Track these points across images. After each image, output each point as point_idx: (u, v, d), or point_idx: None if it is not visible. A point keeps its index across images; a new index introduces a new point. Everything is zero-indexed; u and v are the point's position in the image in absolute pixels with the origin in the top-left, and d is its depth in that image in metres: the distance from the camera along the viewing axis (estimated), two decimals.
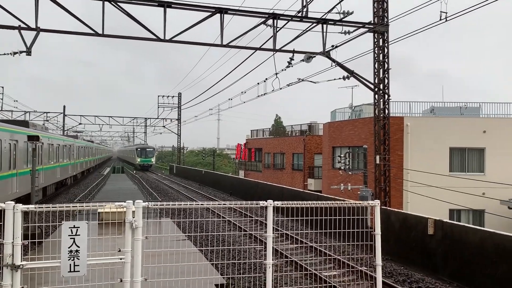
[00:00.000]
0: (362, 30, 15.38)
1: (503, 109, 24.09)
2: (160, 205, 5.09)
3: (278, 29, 14.66)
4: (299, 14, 14.68)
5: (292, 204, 5.62)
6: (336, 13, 14.79)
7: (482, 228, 10.61)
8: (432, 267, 11.25)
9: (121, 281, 4.79)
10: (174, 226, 12.58)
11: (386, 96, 15.95)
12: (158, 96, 50.84)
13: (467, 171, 21.87)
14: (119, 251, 4.79)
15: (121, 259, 4.78)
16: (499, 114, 24.07)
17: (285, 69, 16.89)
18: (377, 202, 5.77)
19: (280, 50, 15.37)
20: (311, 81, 18.00)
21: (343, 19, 14.87)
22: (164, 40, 13.98)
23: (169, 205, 5.05)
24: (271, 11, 14.57)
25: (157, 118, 53.47)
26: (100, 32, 13.49)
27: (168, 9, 13.62)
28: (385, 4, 15.67)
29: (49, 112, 53.74)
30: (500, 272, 9.36)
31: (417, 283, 10.28)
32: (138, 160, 61.41)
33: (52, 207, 4.73)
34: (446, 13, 10.94)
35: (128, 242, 4.80)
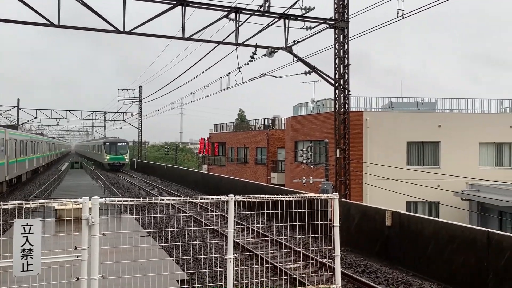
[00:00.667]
0: (323, 26, 15.58)
1: (457, 104, 25.17)
2: (118, 201, 4.98)
3: (240, 23, 14.62)
4: (262, 9, 14.69)
5: (253, 198, 5.65)
6: (298, 8, 14.91)
7: (436, 219, 11.05)
8: (390, 257, 11.63)
9: (77, 279, 4.66)
10: (134, 223, 12.37)
11: (346, 91, 16.26)
12: (118, 89, 49.57)
13: (423, 164, 22.71)
14: (76, 248, 4.66)
15: (77, 257, 4.65)
16: (454, 109, 25.12)
17: (248, 63, 16.90)
18: (335, 195, 5.89)
19: (242, 45, 15.34)
20: (273, 76, 18.10)
21: (304, 15, 15.01)
22: (123, 32, 13.63)
23: (127, 201, 4.95)
24: (233, 5, 14.50)
25: (117, 112, 52.24)
26: (56, 23, 12.99)
27: (127, 1, 13.28)
28: (345, 0, 15.93)
29: (1, 106, 51.38)
30: (453, 261, 9.80)
31: (375, 273, 10.59)
32: (107, 157, 48.35)
33: (3, 205, 4.53)
34: (403, 10, 11.27)
35: (85, 240, 4.67)
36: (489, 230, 9.27)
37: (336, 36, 16.09)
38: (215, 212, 17.72)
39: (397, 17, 11.50)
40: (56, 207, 11.59)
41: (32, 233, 4.48)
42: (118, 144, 48.97)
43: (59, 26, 13.09)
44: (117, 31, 13.58)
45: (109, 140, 50.17)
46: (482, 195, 19.92)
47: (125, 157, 49.22)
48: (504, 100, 25.38)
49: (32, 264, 4.48)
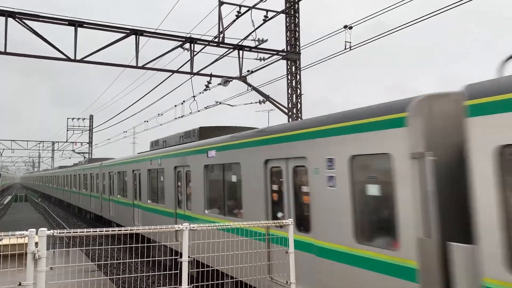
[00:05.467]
0: (276, 57, 16.05)
1: None
2: (67, 232, 4.79)
3: (195, 53, 14.77)
4: (216, 40, 14.95)
5: (210, 226, 5.61)
6: (251, 40, 15.33)
7: None
8: None
9: None
10: (83, 255, 11.81)
11: (300, 120, 16.67)
12: (68, 118, 47.93)
13: None
14: (20, 284, 4.40)
15: None
16: None
17: (203, 92, 17.00)
18: (290, 221, 5.94)
19: (197, 74, 15.46)
20: (229, 104, 18.28)
21: (258, 46, 15.42)
22: (75, 60, 13.37)
23: (76, 232, 4.78)
24: (188, 35, 14.67)
25: (66, 141, 50.33)
26: (2, 50, 12.55)
27: (80, 29, 13.11)
28: (297, 33, 16.56)
29: None
30: None
31: None
32: None
33: None
34: (350, 42, 11.86)
35: (30, 275, 4.43)
36: None
37: (288, 67, 16.60)
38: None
39: (345, 48, 12.07)
40: None
41: None
42: None
43: (5, 53, 12.66)
44: (69, 59, 13.31)
45: None
46: None
47: None
48: None
49: None
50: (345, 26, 11.72)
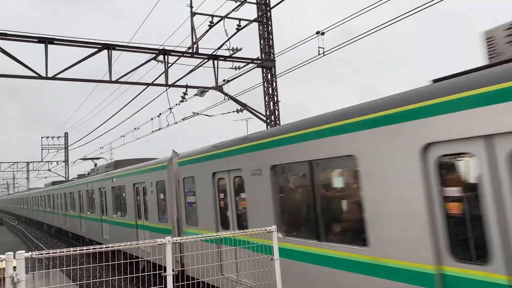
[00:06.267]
0: (251, 65, 16.12)
1: None
2: (46, 253, 4.66)
3: (169, 64, 14.70)
4: (190, 51, 14.93)
5: (190, 238, 5.55)
6: (226, 49, 15.35)
7: None
8: None
9: None
10: (63, 276, 11.52)
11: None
12: (42, 137, 46.90)
13: None
14: None
15: None
16: None
17: (179, 104, 16.91)
18: (274, 227, 5.94)
19: (173, 86, 15.38)
20: (206, 115, 18.22)
21: (232, 55, 15.46)
22: (47, 78, 13.12)
23: (56, 252, 4.65)
24: (161, 47, 14.60)
25: (41, 161, 49.20)
26: None
27: (50, 46, 12.90)
28: (270, 41, 16.69)
29: None
30: None
31: None
32: None
33: None
34: (324, 48, 12.00)
35: None
36: None
37: (264, 75, 16.69)
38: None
39: (318, 54, 12.21)
40: None
41: None
42: None
43: None
44: (40, 77, 13.06)
45: None
46: None
47: None
48: None
49: None
50: (317, 32, 11.87)
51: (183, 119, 18.50)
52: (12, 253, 4.39)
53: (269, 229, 5.93)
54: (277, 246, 5.96)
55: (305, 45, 12.73)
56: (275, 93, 16.65)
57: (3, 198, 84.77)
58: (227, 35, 14.65)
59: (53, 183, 33.08)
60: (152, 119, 19.76)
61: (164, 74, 14.73)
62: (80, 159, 28.49)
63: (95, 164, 24.10)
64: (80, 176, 27.65)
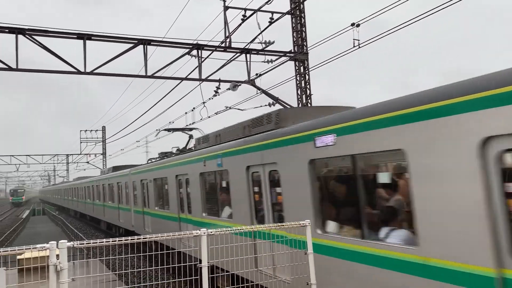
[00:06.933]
0: (283, 58, 16.04)
1: None
2: (86, 243, 4.83)
3: (203, 59, 14.84)
4: (223, 45, 15.01)
5: (223, 231, 5.60)
6: (258, 43, 15.34)
7: None
8: None
9: None
10: (103, 266, 11.91)
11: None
12: (81, 130, 48.51)
13: None
14: None
15: None
16: None
17: (212, 98, 17.06)
18: (308, 222, 5.92)
19: (206, 80, 15.53)
20: (238, 109, 18.30)
21: (265, 49, 15.43)
22: (84, 73, 13.53)
23: (96, 243, 4.81)
24: (195, 42, 14.76)
25: (80, 153, 50.94)
26: (14, 66, 12.77)
27: (89, 41, 13.28)
28: (303, 34, 16.54)
29: None
30: None
31: None
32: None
33: None
34: (359, 40, 11.79)
35: (53, 287, 4.47)
36: None
37: (296, 68, 16.58)
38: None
39: (354, 46, 12.01)
40: (18, 257, 11.02)
41: None
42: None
43: (17, 69, 12.87)
44: (79, 72, 13.47)
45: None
46: None
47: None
48: None
49: None
50: (353, 24, 11.67)
51: (216, 113, 18.66)
52: (55, 242, 4.58)
53: (303, 223, 5.91)
54: (310, 241, 5.94)
55: (339, 38, 12.53)
56: (308, 86, 16.52)
57: (47, 189, 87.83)
58: (259, 28, 14.63)
59: (115, 168, 26.42)
60: (186, 113, 20.03)
61: (197, 68, 14.89)
62: (165, 129, 17.21)
63: (190, 136, 17.42)
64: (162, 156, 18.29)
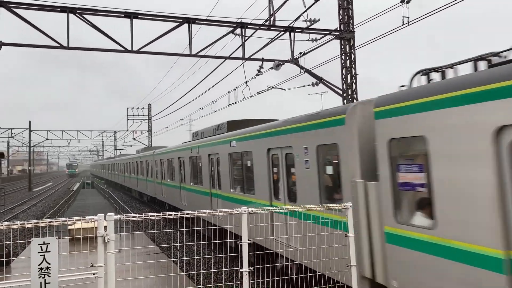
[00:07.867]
0: (328, 37, 15.67)
1: None
2: (132, 217, 5.00)
3: (246, 38, 14.77)
4: (267, 23, 14.85)
5: (264, 210, 5.64)
6: (303, 21, 15.05)
7: None
8: None
9: None
10: (147, 239, 12.37)
11: (355, 101, 16.25)
12: (128, 108, 49.97)
13: None
14: (92, 266, 4.68)
15: (94, 274, 4.67)
16: None
17: (255, 77, 17.02)
18: (349, 204, 5.85)
19: (249, 59, 15.48)
20: (281, 88, 18.17)
21: (310, 27, 15.13)
22: (131, 51, 13.84)
23: (141, 216, 4.98)
24: (239, 20, 14.68)
25: (127, 130, 52.64)
26: (65, 44, 13.24)
27: (134, 20, 13.52)
28: (350, 11, 16.04)
29: (13, 128, 52.19)
30: None
31: None
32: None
33: (20, 224, 4.58)
34: (408, 17, 11.30)
35: (101, 257, 4.69)
36: None
37: (342, 47, 16.16)
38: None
39: (402, 24, 11.52)
40: (69, 227, 11.65)
41: (49, 251, 4.52)
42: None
43: (68, 47, 13.35)
44: (126, 50, 13.80)
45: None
46: None
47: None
48: None
49: (49, 283, 4.50)
50: (402, 1, 11.17)
51: (258, 93, 18.62)
52: (103, 214, 4.78)
53: (345, 206, 5.84)
54: (352, 223, 5.88)
55: (383, 17, 12.05)
56: (353, 65, 16.10)
57: (96, 163, 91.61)
58: (304, 5, 14.34)
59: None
60: (229, 92, 20.13)
61: (241, 47, 14.84)
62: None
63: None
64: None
